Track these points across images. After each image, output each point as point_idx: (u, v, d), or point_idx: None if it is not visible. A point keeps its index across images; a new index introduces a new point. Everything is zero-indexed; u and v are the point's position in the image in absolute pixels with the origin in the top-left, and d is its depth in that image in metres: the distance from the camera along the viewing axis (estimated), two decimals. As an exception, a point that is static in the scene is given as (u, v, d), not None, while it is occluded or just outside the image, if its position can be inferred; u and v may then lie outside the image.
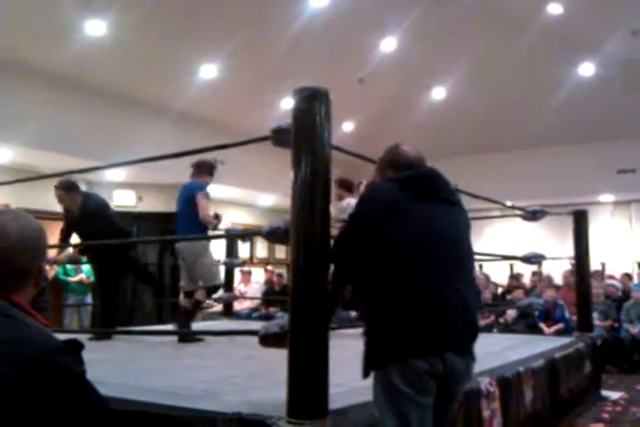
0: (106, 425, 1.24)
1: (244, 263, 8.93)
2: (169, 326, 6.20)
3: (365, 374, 2.19)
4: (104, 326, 5.76)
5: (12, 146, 8.05)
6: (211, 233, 5.69)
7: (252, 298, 10.03)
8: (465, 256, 2.30)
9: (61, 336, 1.30)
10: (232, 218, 12.30)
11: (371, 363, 2.17)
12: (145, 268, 6.79)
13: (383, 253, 2.16)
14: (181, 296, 5.83)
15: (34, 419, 1.09)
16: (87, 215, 5.52)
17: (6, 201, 8.29)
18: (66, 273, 8.85)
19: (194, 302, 5.49)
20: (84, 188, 10.22)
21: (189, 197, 5.39)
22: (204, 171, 5.58)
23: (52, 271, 8.50)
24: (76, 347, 1.24)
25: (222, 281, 5.80)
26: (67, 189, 5.51)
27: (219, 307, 8.31)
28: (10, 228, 1.29)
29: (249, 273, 10.83)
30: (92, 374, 1.26)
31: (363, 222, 2.24)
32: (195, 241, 5.38)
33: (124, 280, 6.09)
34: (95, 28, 7.44)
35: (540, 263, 7.13)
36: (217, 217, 5.54)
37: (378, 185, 2.40)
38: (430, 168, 2.37)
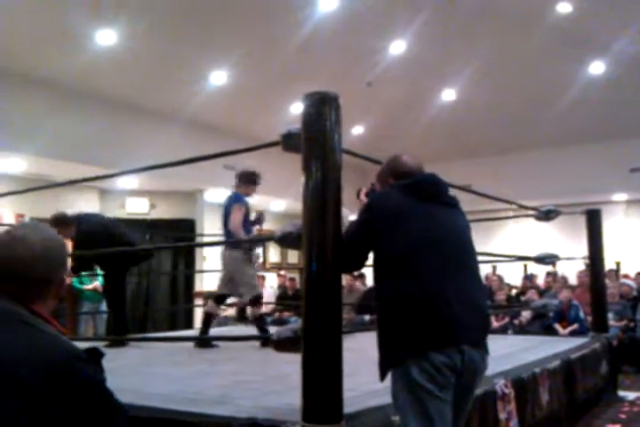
0: None
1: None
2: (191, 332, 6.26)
3: (383, 375, 2.21)
4: (116, 333, 5.82)
5: (26, 156, 8.13)
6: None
7: (266, 303, 10.02)
8: (469, 255, 2.38)
9: (81, 345, 1.32)
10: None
11: (389, 361, 2.19)
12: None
13: (392, 254, 2.25)
14: (209, 301, 5.87)
15: (53, 424, 1.11)
16: (82, 239, 5.55)
17: (21, 211, 8.37)
18: (81, 281, 8.90)
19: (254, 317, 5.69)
20: (96, 196, 10.34)
21: (226, 208, 5.57)
22: (242, 181, 5.70)
23: (67, 280, 8.55)
24: (97, 355, 1.26)
25: (260, 292, 5.82)
26: (55, 224, 5.42)
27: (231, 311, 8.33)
28: (32, 239, 1.32)
29: (262, 278, 10.82)
30: (108, 381, 1.28)
31: (371, 227, 2.32)
32: (233, 252, 5.48)
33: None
34: (106, 37, 7.50)
35: (554, 264, 7.09)
36: (258, 220, 5.77)
37: (383, 192, 2.50)
38: (431, 174, 2.47)
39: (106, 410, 1.21)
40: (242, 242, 6.05)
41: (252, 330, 5.86)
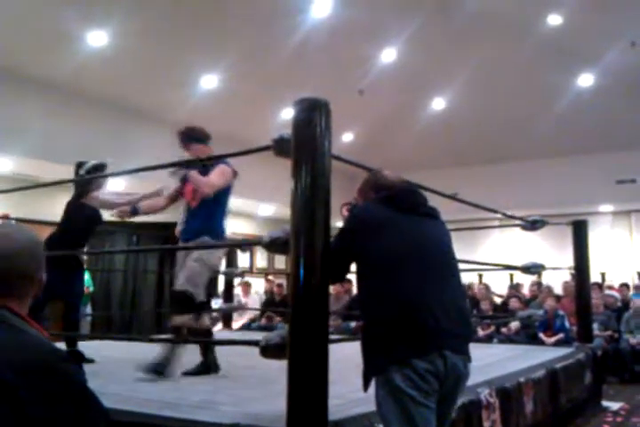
0: None
1: (243, 273, 8.90)
2: None
3: (366, 384, 2.20)
4: None
5: (13, 156, 8.07)
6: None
7: (252, 309, 9.98)
8: (450, 264, 2.40)
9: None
10: (231, 228, 12.30)
11: (371, 369, 2.19)
12: None
13: (373, 264, 2.28)
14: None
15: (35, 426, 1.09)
16: None
17: (6, 211, 8.30)
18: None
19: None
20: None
21: None
22: None
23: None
24: (77, 357, 1.25)
25: None
26: None
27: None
28: (15, 236, 1.33)
29: (249, 285, 10.76)
30: (90, 384, 1.26)
31: (353, 238, 2.36)
32: None
33: None
34: (96, 38, 7.47)
35: (539, 273, 7.11)
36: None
37: (363, 204, 2.53)
38: (409, 186, 2.55)
39: (88, 411, 1.20)
40: (225, 246, 5.86)
41: (237, 335, 5.83)
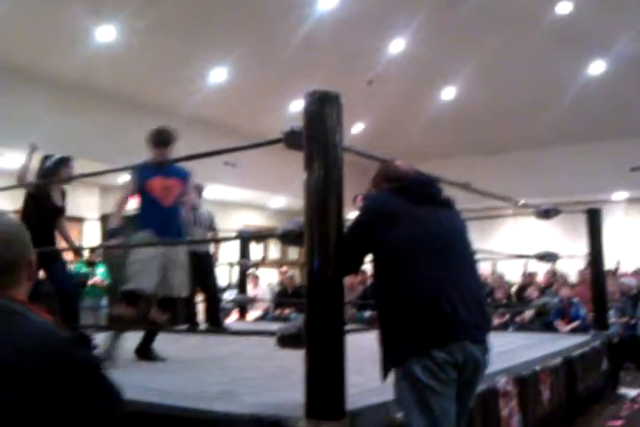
0: (122, 417, 1.23)
1: (257, 265, 8.91)
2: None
3: (385, 374, 2.22)
4: None
5: (23, 151, 8.10)
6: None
7: (265, 300, 10.00)
8: (466, 253, 2.40)
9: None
10: (244, 220, 12.34)
11: (391, 360, 2.21)
12: None
13: (389, 255, 2.28)
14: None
15: (51, 412, 1.10)
16: None
17: (15, 207, 8.37)
18: (81, 276, 8.87)
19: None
20: (97, 192, 10.30)
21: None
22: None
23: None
24: (85, 341, 1.25)
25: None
26: None
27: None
28: None
29: (257, 277, 10.75)
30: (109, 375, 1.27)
31: (367, 229, 2.36)
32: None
33: None
34: (105, 33, 7.50)
35: (554, 261, 7.10)
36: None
37: (375, 195, 2.54)
38: (423, 176, 2.54)
39: (103, 392, 1.19)
40: (239, 239, 5.81)
41: (252, 326, 5.83)
